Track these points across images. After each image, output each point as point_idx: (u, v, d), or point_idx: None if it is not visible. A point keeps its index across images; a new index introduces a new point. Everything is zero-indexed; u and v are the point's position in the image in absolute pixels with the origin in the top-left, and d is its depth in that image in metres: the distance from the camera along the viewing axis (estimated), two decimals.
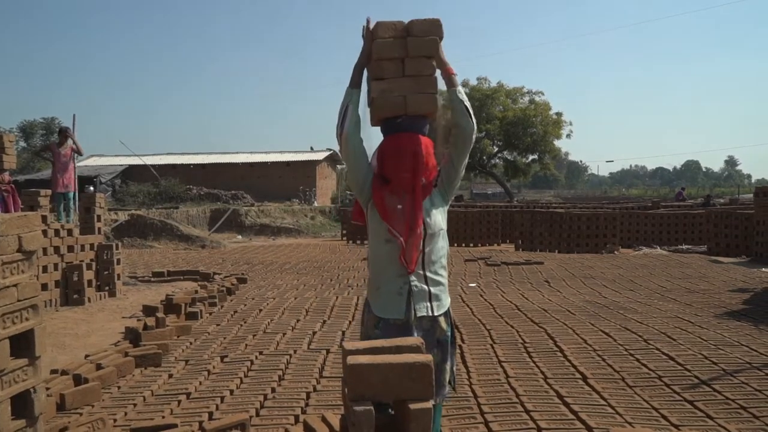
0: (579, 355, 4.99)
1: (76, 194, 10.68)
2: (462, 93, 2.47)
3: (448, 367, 2.45)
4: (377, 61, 2.47)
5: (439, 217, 2.44)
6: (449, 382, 2.49)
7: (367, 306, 2.50)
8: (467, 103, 2.46)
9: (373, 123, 2.55)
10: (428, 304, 2.39)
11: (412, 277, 2.37)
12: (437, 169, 2.50)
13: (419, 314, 2.37)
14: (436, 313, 2.41)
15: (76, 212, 10.44)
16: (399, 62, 2.47)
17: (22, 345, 2.74)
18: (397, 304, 2.37)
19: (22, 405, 2.74)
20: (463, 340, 5.55)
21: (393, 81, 2.46)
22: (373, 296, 2.46)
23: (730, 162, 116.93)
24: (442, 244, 2.45)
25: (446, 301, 2.47)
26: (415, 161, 2.37)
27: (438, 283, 2.43)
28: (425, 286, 2.39)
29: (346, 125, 2.39)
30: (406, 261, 2.33)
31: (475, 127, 2.48)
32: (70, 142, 10.85)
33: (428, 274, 2.40)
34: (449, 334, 2.47)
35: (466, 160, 2.53)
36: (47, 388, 3.86)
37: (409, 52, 2.46)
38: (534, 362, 4.83)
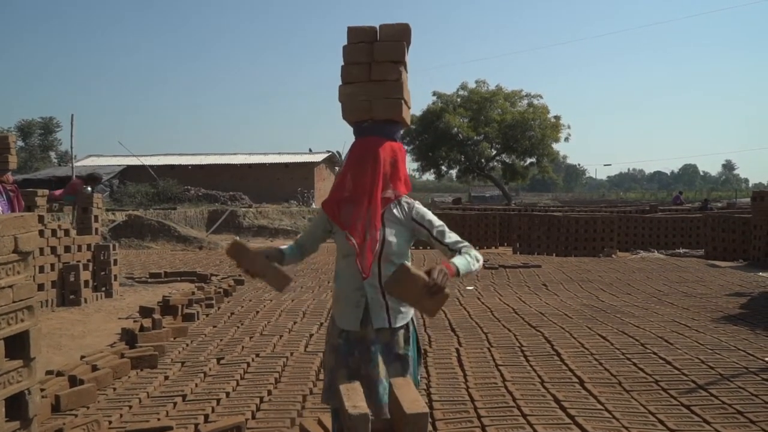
0: (576, 358, 4.99)
1: None
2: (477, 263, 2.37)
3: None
4: (345, 65, 2.50)
5: (400, 241, 2.39)
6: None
7: (332, 317, 2.53)
8: (474, 268, 2.36)
9: (348, 124, 2.58)
10: (385, 315, 2.37)
11: (369, 289, 2.36)
12: (408, 183, 2.48)
13: (376, 326, 2.37)
14: (395, 325, 2.39)
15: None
16: (366, 67, 2.48)
17: (18, 346, 2.72)
18: (355, 316, 2.38)
19: (16, 407, 2.72)
20: (460, 344, 5.54)
21: (359, 85, 2.48)
22: (335, 308, 2.49)
23: (728, 166, 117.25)
24: (398, 257, 2.39)
25: (408, 313, 2.43)
26: (375, 166, 2.37)
27: (395, 299, 2.36)
28: (381, 299, 2.36)
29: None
30: (361, 266, 2.30)
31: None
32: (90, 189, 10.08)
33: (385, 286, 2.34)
34: (411, 349, 2.43)
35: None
36: (42, 389, 3.85)
37: (375, 56, 2.47)
38: (531, 366, 4.83)
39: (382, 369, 2.35)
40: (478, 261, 2.35)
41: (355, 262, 2.34)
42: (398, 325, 2.40)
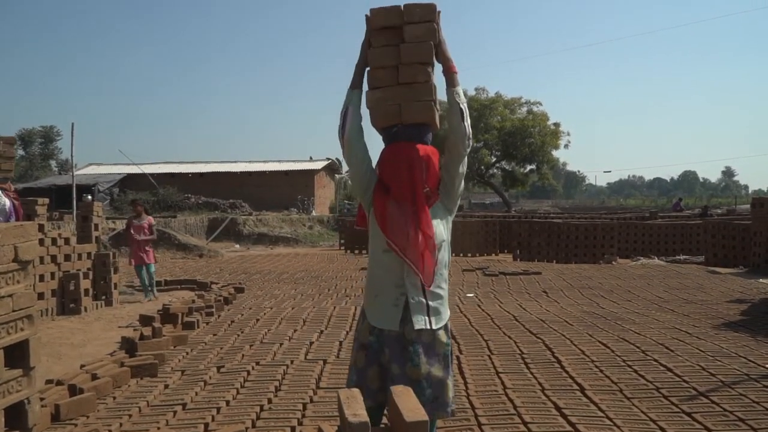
0: (577, 366, 4.98)
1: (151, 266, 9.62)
2: (460, 94, 2.40)
3: (450, 383, 2.37)
4: (372, 70, 2.42)
5: (441, 228, 2.38)
6: (450, 399, 2.40)
7: (363, 313, 2.44)
8: (463, 106, 2.38)
9: (377, 131, 2.52)
10: (426, 317, 2.32)
11: (410, 289, 2.30)
12: (439, 183, 2.44)
13: (417, 327, 2.31)
14: (434, 327, 2.34)
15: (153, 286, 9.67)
16: (393, 70, 2.39)
17: (17, 355, 2.73)
18: (393, 315, 2.31)
19: (16, 416, 2.72)
20: (460, 351, 5.53)
21: (387, 89, 2.40)
22: (370, 304, 2.40)
23: (728, 172, 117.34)
24: (443, 256, 2.38)
25: (446, 315, 2.41)
26: (410, 172, 2.31)
27: (437, 297, 2.36)
28: (423, 299, 2.32)
29: (347, 129, 2.35)
30: (423, 275, 2.26)
31: (468, 132, 2.39)
32: (146, 217, 9.75)
33: (426, 288, 2.33)
34: (449, 348, 2.41)
35: (463, 168, 2.43)
36: (42, 399, 3.84)
37: (403, 59, 2.38)
38: (532, 373, 4.82)
39: (424, 368, 2.29)
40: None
41: (397, 257, 2.28)
42: (438, 326, 2.36)
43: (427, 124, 2.44)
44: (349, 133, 2.35)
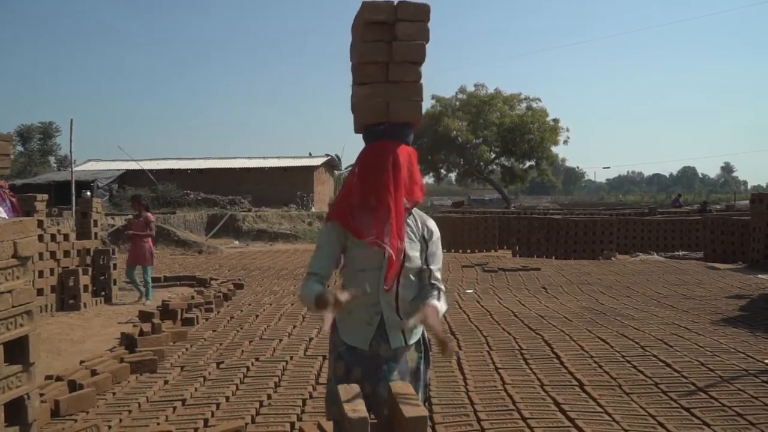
0: (576, 362, 4.99)
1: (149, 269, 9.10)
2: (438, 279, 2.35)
3: (421, 394, 2.32)
4: (360, 64, 2.36)
5: (417, 254, 2.29)
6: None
7: (335, 325, 2.33)
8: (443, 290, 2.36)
9: (356, 130, 2.45)
10: (401, 335, 2.28)
11: (385, 307, 2.24)
12: (423, 189, 2.38)
13: (393, 346, 2.26)
14: (410, 342, 2.31)
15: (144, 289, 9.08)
16: (383, 67, 2.35)
17: (17, 351, 2.73)
18: (365, 334, 2.26)
19: (15, 412, 2.72)
20: (460, 347, 5.54)
21: (376, 86, 2.35)
22: (343, 319, 2.31)
23: (727, 168, 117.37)
24: (417, 280, 2.32)
25: (421, 330, 2.36)
26: (395, 171, 2.24)
27: (410, 316, 2.27)
28: (398, 317, 2.26)
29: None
30: (386, 278, 2.20)
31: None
32: (144, 214, 9.13)
33: (401, 305, 2.27)
34: (421, 357, 2.37)
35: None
36: (42, 394, 3.84)
37: (394, 57, 2.33)
38: (531, 369, 4.83)
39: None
40: (444, 305, 2.33)
41: (373, 276, 2.21)
42: (413, 341, 2.32)
43: (412, 123, 2.41)
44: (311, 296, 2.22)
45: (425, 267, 2.32)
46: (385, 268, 2.21)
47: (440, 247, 2.40)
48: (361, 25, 2.36)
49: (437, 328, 2.13)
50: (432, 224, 2.39)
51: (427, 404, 2.43)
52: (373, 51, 2.33)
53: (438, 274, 2.35)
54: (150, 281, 9.09)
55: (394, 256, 2.18)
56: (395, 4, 2.33)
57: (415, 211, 2.38)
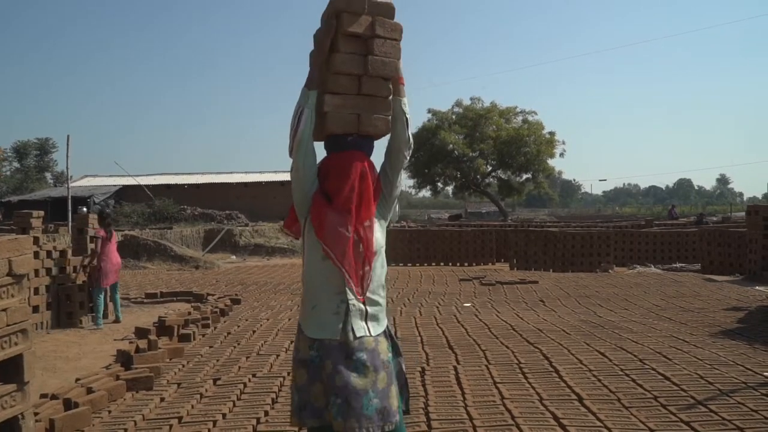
0: (574, 375, 4.97)
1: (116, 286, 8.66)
2: (406, 105, 2.48)
3: (394, 390, 2.30)
4: (335, 74, 2.40)
5: (378, 234, 2.35)
6: (400, 407, 2.33)
7: (299, 328, 2.36)
8: (408, 116, 2.49)
9: (318, 138, 2.45)
10: (364, 324, 2.28)
11: (350, 295, 2.27)
12: (381, 191, 2.45)
13: (358, 334, 2.26)
14: (373, 333, 2.30)
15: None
16: (356, 79, 2.41)
17: (11, 370, 2.70)
18: (334, 323, 2.26)
19: (10, 431, 2.69)
20: (458, 361, 5.51)
21: (348, 97, 2.39)
22: (308, 316, 2.32)
23: (722, 180, 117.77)
24: (381, 263, 2.35)
25: (383, 322, 2.37)
26: (362, 182, 2.30)
27: (375, 303, 2.32)
28: (362, 306, 2.29)
29: (301, 130, 2.29)
30: (353, 285, 2.25)
31: (411, 141, 2.49)
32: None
33: (368, 293, 2.30)
34: (390, 356, 2.36)
35: (401, 176, 2.51)
36: (36, 413, 3.80)
37: (370, 71, 2.40)
38: (529, 383, 4.80)
39: (369, 380, 2.22)
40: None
41: (335, 269, 2.26)
42: (376, 333, 2.32)
43: (374, 137, 2.48)
44: (303, 134, 2.30)
45: (390, 148, 2.50)
46: (348, 275, 2.26)
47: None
48: (337, 34, 2.40)
49: None
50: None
51: (402, 409, 2.40)
52: (348, 63, 2.39)
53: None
54: (100, 304, 8.28)
55: (341, 267, 2.25)
56: (372, 20, 2.41)
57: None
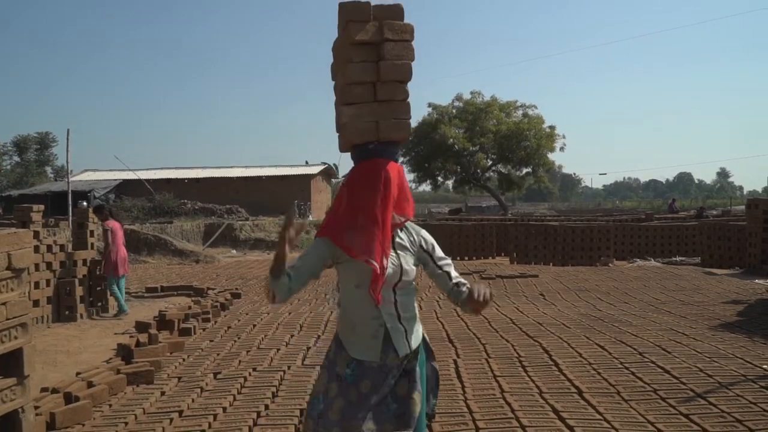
0: (574, 368, 4.97)
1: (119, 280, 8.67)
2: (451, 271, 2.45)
3: (416, 398, 2.33)
4: (348, 85, 2.40)
5: (412, 267, 2.37)
6: (423, 412, 2.37)
7: (339, 343, 2.37)
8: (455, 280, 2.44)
9: (343, 149, 2.48)
10: (406, 341, 2.33)
11: (387, 318, 2.29)
12: (413, 205, 2.43)
13: (401, 353, 2.31)
14: (413, 347, 2.36)
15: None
16: (370, 86, 2.39)
17: (11, 364, 2.71)
18: (374, 347, 2.30)
19: (10, 425, 2.70)
20: (458, 355, 5.52)
21: (364, 106, 2.39)
22: (348, 335, 2.36)
23: (722, 174, 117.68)
24: (412, 288, 2.38)
25: (420, 331, 2.43)
26: (386, 191, 2.29)
27: (411, 320, 2.37)
28: (400, 326, 2.32)
29: (278, 300, 2.25)
30: (374, 293, 2.23)
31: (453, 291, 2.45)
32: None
33: (402, 313, 2.32)
34: (416, 364, 2.38)
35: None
36: (37, 407, 3.81)
37: (382, 76, 2.38)
38: (529, 376, 4.81)
39: (388, 386, 2.29)
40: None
41: (367, 292, 2.26)
42: (416, 345, 2.38)
43: (399, 142, 2.45)
44: (282, 299, 2.28)
45: (441, 272, 2.42)
46: (370, 282, 2.24)
47: (435, 242, 2.49)
48: (347, 45, 2.39)
49: (485, 290, 2.27)
50: (426, 234, 2.47)
51: (428, 415, 2.45)
52: (361, 72, 2.38)
53: (454, 272, 2.44)
54: (117, 293, 8.50)
55: (378, 271, 2.23)
56: (381, 24, 2.38)
57: (409, 224, 2.43)
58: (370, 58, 2.39)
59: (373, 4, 2.40)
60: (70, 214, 15.63)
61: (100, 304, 8.76)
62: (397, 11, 2.41)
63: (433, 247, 2.44)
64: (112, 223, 8.64)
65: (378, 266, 2.22)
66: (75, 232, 9.15)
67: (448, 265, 2.45)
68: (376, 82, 2.39)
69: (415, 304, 2.42)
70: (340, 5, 2.40)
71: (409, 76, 2.41)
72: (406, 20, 2.44)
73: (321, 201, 36.69)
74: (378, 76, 2.38)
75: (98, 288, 8.78)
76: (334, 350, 2.40)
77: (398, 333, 2.31)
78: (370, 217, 2.27)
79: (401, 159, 36.89)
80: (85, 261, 8.60)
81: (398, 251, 2.33)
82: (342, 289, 2.39)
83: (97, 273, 8.49)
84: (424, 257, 2.42)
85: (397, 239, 2.35)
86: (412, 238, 2.41)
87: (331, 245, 2.30)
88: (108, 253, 8.45)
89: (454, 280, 2.41)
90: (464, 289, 2.37)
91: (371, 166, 2.34)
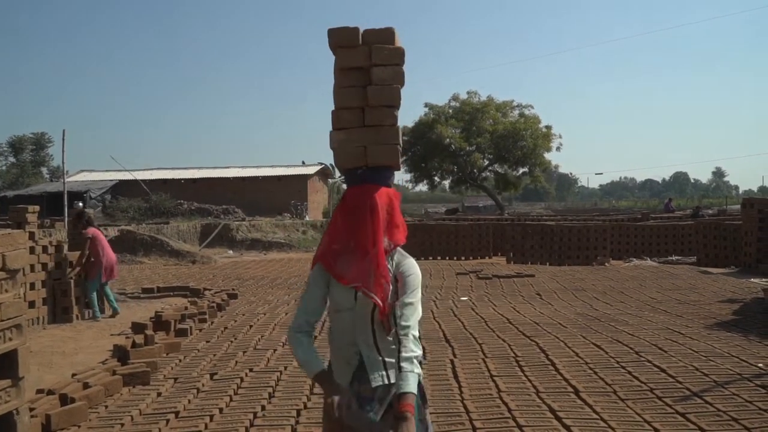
0: (571, 368, 4.98)
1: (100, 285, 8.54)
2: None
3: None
4: (337, 110, 2.39)
5: (394, 297, 2.27)
6: None
7: (329, 366, 2.38)
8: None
9: (340, 171, 2.49)
10: (383, 372, 2.25)
11: (363, 347, 2.25)
12: (405, 231, 2.36)
13: (374, 384, 2.24)
14: (392, 381, 2.24)
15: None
16: (358, 111, 2.38)
17: (6, 365, 2.70)
18: (346, 373, 2.27)
19: (5, 427, 2.69)
20: (455, 355, 5.52)
21: (353, 131, 2.37)
22: (332, 358, 2.37)
23: (718, 173, 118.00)
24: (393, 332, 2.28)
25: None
26: (373, 216, 2.25)
27: (393, 352, 2.26)
28: (378, 356, 2.25)
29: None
30: (384, 317, 2.18)
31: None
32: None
33: (380, 344, 2.26)
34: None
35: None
36: (32, 409, 3.79)
37: (370, 101, 2.36)
38: (526, 376, 4.82)
39: (373, 418, 2.21)
40: (419, 364, 2.22)
41: (348, 317, 2.25)
42: (396, 380, 2.25)
43: (391, 166, 2.43)
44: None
45: (395, 320, 2.24)
46: (361, 309, 2.22)
47: (416, 289, 2.27)
48: (336, 70, 2.39)
49: None
50: (407, 265, 2.33)
51: None
52: (349, 97, 2.37)
53: (408, 322, 2.22)
54: (95, 299, 8.41)
55: (378, 302, 2.18)
56: (370, 49, 2.36)
57: (399, 251, 2.36)
58: (359, 83, 2.38)
59: (365, 28, 2.39)
60: (66, 214, 15.60)
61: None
62: (388, 35, 2.39)
63: (405, 282, 2.27)
64: (92, 231, 8.56)
65: (374, 295, 2.19)
66: (70, 232, 9.11)
67: (406, 317, 2.23)
68: (364, 107, 2.37)
69: (413, 336, 2.27)
70: (329, 31, 2.39)
71: (398, 101, 2.40)
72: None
73: (318, 201, 36.66)
74: (366, 101, 2.37)
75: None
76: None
77: (374, 363, 2.24)
78: (360, 243, 2.25)
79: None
80: (81, 262, 8.55)
81: None
82: (329, 313, 2.37)
83: (69, 277, 8.30)
84: (395, 286, 2.29)
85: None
86: (392, 265, 2.32)
87: (324, 271, 2.31)
88: (94, 259, 8.37)
89: (399, 332, 2.22)
90: (403, 373, 2.16)
91: (359, 191, 2.33)
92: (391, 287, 2.25)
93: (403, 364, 2.17)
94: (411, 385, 2.14)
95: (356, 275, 2.23)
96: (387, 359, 2.27)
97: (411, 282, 2.28)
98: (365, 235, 2.25)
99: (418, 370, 2.18)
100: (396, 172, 2.54)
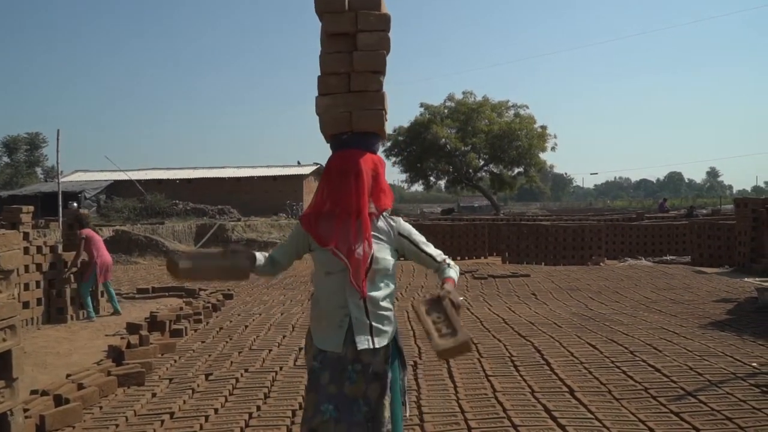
0: (566, 368, 4.99)
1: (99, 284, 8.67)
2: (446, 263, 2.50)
3: (386, 403, 2.30)
4: (323, 75, 2.39)
5: (387, 257, 2.35)
6: (397, 419, 2.35)
7: (309, 336, 2.41)
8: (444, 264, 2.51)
9: (325, 138, 2.49)
10: (369, 337, 2.28)
11: (353, 309, 2.27)
12: (391, 196, 2.42)
13: (360, 347, 2.27)
14: (377, 346, 2.30)
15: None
16: (345, 77, 2.38)
17: None
18: (337, 337, 2.28)
19: None
20: None
21: (338, 96, 2.38)
22: (315, 327, 2.38)
23: (712, 173, 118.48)
24: (387, 282, 2.35)
25: (391, 333, 2.36)
26: (357, 180, 2.28)
27: (381, 318, 2.32)
28: (366, 320, 2.29)
29: (268, 278, 2.45)
30: (355, 284, 2.23)
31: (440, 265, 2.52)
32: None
33: (369, 307, 2.29)
34: (392, 368, 2.36)
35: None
36: (26, 410, 3.78)
37: (356, 67, 2.36)
38: (521, 376, 4.82)
39: (360, 389, 2.25)
40: (457, 271, 2.49)
41: (338, 279, 2.26)
42: (380, 345, 2.31)
43: (376, 132, 2.44)
44: (271, 275, 2.52)
45: (424, 255, 2.45)
46: (348, 272, 2.25)
47: (412, 227, 2.51)
48: (322, 36, 2.39)
49: (456, 297, 2.28)
50: (401, 221, 2.49)
51: (405, 407, 2.44)
52: (334, 62, 2.38)
53: (435, 252, 2.48)
54: (89, 300, 8.41)
55: (348, 264, 2.25)
56: (356, 14, 2.37)
57: (386, 215, 2.44)
58: (345, 49, 2.38)
59: None
60: (60, 215, 15.53)
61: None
62: (375, 1, 2.39)
63: (409, 232, 2.45)
64: (87, 231, 8.56)
65: (346, 259, 2.24)
66: (65, 233, 9.07)
67: (428, 246, 2.48)
68: (350, 73, 2.38)
69: (390, 305, 2.38)
70: None
71: (384, 67, 2.40)
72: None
73: None
74: (352, 67, 2.37)
75: (89, 290, 8.70)
76: (307, 344, 2.43)
77: (362, 326, 2.28)
78: (344, 206, 2.29)
79: (394, 159, 36.85)
80: (75, 262, 8.52)
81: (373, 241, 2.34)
82: (315, 277, 2.40)
83: (64, 277, 8.25)
84: (402, 243, 2.43)
85: (373, 230, 2.35)
86: (388, 228, 2.41)
87: (303, 232, 2.38)
88: (89, 260, 8.37)
89: (437, 260, 2.46)
90: (444, 266, 2.45)
91: (344, 156, 2.36)
92: (385, 246, 2.37)
93: (450, 264, 2.47)
94: (453, 275, 2.42)
95: (334, 237, 2.27)
96: (374, 324, 2.31)
97: (415, 233, 2.47)
98: (349, 199, 2.28)
99: (457, 273, 2.46)
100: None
